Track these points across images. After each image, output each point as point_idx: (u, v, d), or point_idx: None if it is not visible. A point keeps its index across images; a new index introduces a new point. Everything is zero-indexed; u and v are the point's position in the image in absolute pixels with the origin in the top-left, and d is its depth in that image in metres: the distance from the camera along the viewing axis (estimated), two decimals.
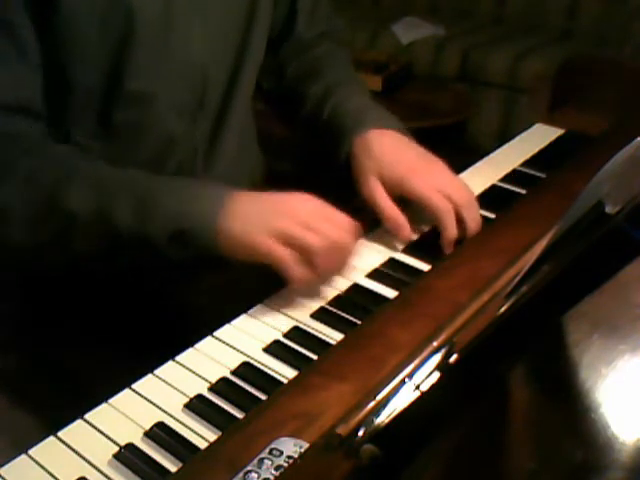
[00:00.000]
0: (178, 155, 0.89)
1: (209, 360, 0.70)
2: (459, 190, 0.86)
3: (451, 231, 0.83)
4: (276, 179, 1.10)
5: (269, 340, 0.72)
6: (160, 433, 0.62)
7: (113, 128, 0.83)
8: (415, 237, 0.87)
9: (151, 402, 0.65)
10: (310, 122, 0.98)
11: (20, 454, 0.59)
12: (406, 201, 0.87)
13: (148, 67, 0.81)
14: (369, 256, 0.85)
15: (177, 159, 0.89)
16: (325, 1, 1.05)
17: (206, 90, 0.88)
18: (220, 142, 0.92)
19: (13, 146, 0.76)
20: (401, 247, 0.87)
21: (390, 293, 0.79)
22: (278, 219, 0.73)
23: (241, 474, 0.54)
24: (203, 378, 0.68)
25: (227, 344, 0.72)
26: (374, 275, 0.82)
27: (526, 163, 1.06)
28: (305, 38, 1.03)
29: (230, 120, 0.92)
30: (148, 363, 0.69)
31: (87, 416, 0.63)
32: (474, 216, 0.85)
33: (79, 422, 0.63)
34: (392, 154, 0.87)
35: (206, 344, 0.72)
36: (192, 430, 0.62)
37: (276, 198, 0.76)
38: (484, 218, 0.91)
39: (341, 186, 0.96)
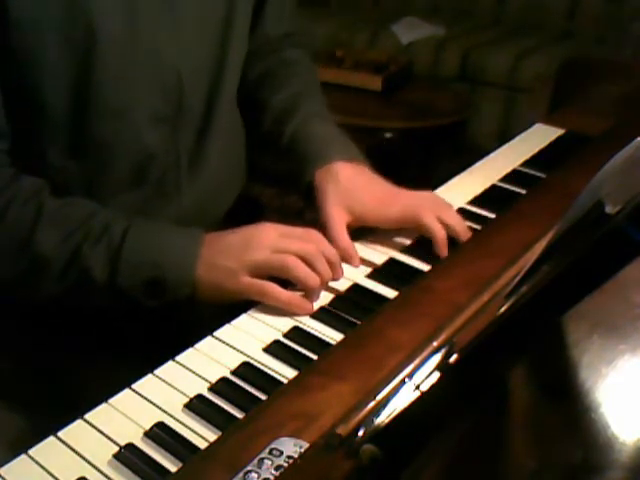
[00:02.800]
0: (159, 167, 0.86)
1: (209, 360, 0.70)
2: (434, 202, 0.88)
3: (440, 233, 0.84)
4: (275, 179, 1.10)
5: (269, 340, 0.72)
6: (160, 433, 0.62)
7: (88, 145, 0.81)
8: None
9: (151, 402, 0.65)
10: (271, 137, 0.97)
11: (20, 454, 0.59)
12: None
13: (117, 79, 0.79)
14: (369, 256, 0.85)
15: (159, 171, 0.87)
16: (291, 1, 1.03)
17: (182, 95, 0.85)
18: (205, 149, 0.90)
19: None
20: (401, 247, 0.87)
21: (390, 293, 0.79)
22: (250, 253, 0.75)
23: (241, 474, 0.54)
24: (203, 378, 0.68)
25: (227, 344, 0.72)
26: (374, 275, 0.82)
27: (526, 163, 1.06)
28: (271, 35, 1.01)
29: (214, 126, 0.90)
30: (148, 363, 0.69)
31: (87, 416, 0.63)
32: (453, 215, 0.87)
33: (79, 422, 0.63)
34: (359, 187, 0.87)
35: (206, 344, 0.72)
36: (192, 430, 0.62)
37: (241, 235, 0.78)
38: (484, 218, 0.91)
39: None
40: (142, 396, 0.66)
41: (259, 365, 0.69)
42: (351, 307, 0.77)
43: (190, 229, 0.80)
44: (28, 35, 0.74)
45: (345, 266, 0.81)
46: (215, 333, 0.73)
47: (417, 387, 0.51)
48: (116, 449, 0.60)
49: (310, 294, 0.76)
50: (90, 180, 0.83)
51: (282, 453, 0.56)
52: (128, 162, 0.84)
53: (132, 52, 0.79)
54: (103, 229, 0.76)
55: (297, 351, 0.71)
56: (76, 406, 0.64)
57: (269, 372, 0.68)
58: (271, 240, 0.77)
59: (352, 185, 0.87)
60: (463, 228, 0.86)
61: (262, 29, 0.99)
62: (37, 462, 0.59)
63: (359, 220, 0.86)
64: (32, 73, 0.76)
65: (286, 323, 0.75)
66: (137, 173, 0.85)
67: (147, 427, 0.62)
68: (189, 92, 0.85)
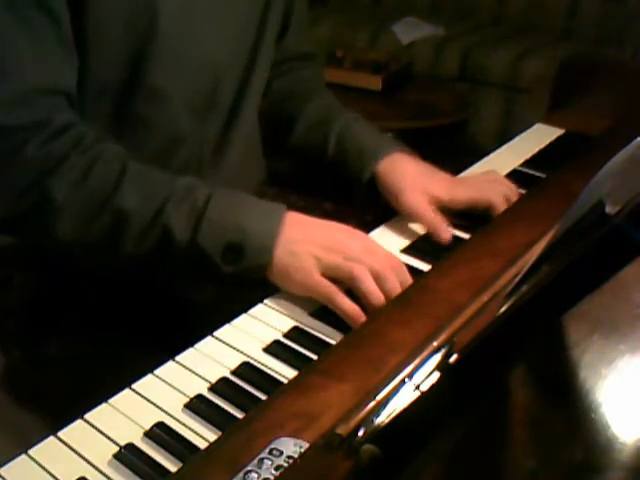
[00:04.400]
0: (185, 151, 0.89)
1: (209, 360, 0.70)
2: (500, 183, 0.95)
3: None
4: (275, 179, 1.11)
5: (269, 340, 0.72)
6: (160, 433, 0.62)
7: (126, 122, 0.84)
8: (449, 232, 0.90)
9: (151, 402, 0.65)
10: (308, 143, 1.00)
11: (20, 454, 0.59)
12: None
13: (164, 65, 0.82)
14: None
15: (184, 155, 0.89)
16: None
17: (217, 90, 0.88)
18: (229, 141, 0.93)
19: (65, 138, 0.75)
20: (401, 247, 0.87)
21: None
22: (328, 255, 0.76)
23: (241, 474, 0.54)
24: (203, 378, 0.68)
25: (227, 344, 0.72)
26: None
27: (526, 163, 1.06)
28: (291, 49, 1.04)
29: (240, 120, 0.93)
30: (149, 362, 0.69)
31: (87, 416, 0.63)
32: (516, 192, 0.95)
33: (79, 422, 0.63)
34: (427, 173, 0.93)
35: (206, 344, 0.72)
36: (192, 430, 0.62)
37: (327, 232, 0.79)
38: (484, 218, 0.91)
39: (338, 186, 0.97)
40: (142, 396, 0.66)
41: (259, 365, 0.69)
42: None
43: (275, 203, 0.80)
44: (95, 10, 0.76)
45: None
46: (215, 333, 0.73)
47: (417, 387, 0.51)
48: (116, 449, 0.60)
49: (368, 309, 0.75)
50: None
51: (282, 453, 0.56)
52: (157, 145, 0.86)
53: (183, 42, 0.82)
54: (188, 190, 0.76)
55: (297, 351, 0.71)
56: (77, 405, 0.64)
57: (269, 372, 0.68)
58: (352, 249, 0.77)
59: (420, 171, 0.93)
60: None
61: (283, 45, 1.03)
62: (37, 462, 0.59)
63: (434, 200, 0.90)
64: (90, 47, 0.78)
65: (286, 323, 0.75)
66: (163, 157, 0.87)
67: (147, 427, 0.62)
68: (222, 88, 0.89)
